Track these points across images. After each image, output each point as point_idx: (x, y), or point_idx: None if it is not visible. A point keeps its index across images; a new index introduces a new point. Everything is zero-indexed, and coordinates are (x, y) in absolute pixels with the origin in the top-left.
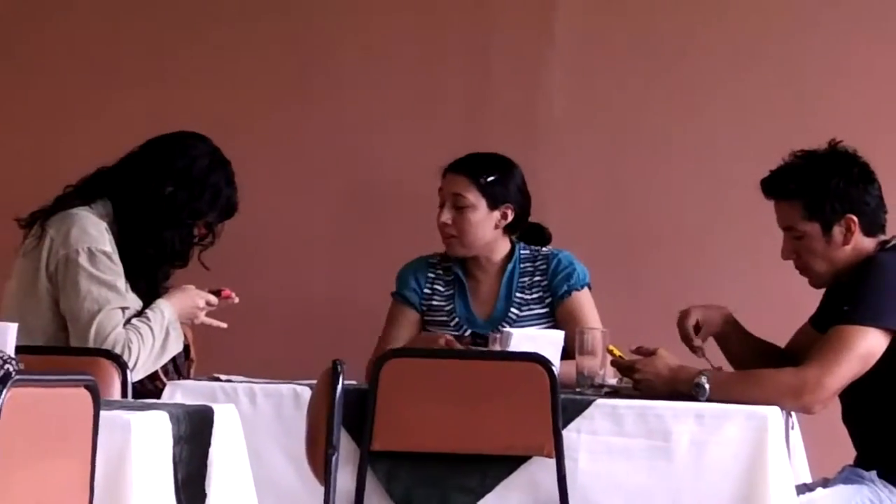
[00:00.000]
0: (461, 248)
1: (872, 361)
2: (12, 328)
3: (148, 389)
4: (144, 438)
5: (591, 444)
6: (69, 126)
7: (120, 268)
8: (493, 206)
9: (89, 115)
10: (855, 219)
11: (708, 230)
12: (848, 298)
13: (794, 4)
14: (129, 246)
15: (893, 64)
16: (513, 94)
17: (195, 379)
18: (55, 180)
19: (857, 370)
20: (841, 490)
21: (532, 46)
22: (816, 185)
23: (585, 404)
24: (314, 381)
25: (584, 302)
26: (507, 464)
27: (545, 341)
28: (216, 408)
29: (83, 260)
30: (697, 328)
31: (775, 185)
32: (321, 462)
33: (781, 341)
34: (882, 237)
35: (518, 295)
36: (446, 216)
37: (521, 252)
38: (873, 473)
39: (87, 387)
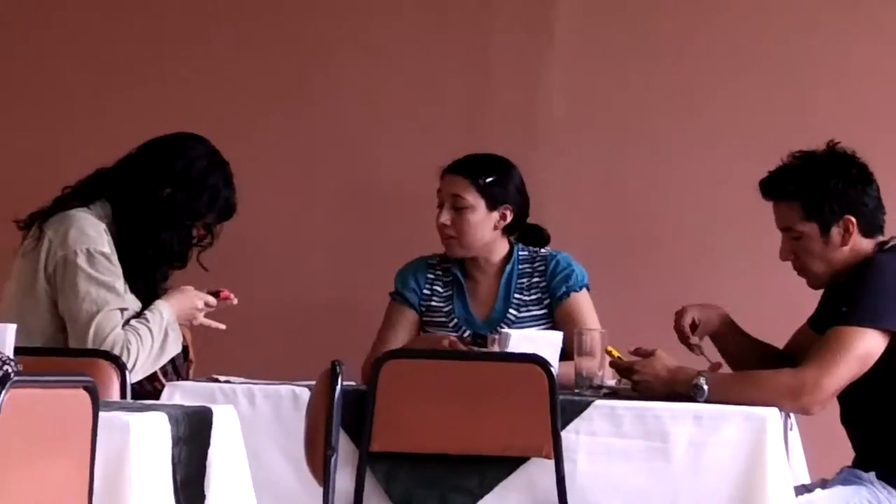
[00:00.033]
0: (460, 248)
1: (871, 362)
2: (11, 329)
3: (147, 390)
4: (143, 439)
5: (589, 445)
6: (69, 126)
7: (118, 269)
8: (491, 206)
9: (89, 115)
10: (853, 220)
11: (707, 230)
12: (846, 299)
13: (794, 4)
14: (128, 247)
15: (893, 64)
16: (512, 94)
17: (194, 380)
18: (55, 181)
19: (856, 371)
20: (839, 491)
21: (532, 47)
22: (815, 186)
23: (584, 405)
24: (313, 382)
25: (583, 303)
26: (506, 465)
27: (544, 342)
28: (215, 409)
29: (82, 261)
30: (694, 326)
31: (774, 186)
32: (320, 463)
33: (780, 342)
34: (880, 238)
35: (516, 296)
36: (445, 217)
37: (520, 253)
38: (872, 474)
39: (85, 388)
